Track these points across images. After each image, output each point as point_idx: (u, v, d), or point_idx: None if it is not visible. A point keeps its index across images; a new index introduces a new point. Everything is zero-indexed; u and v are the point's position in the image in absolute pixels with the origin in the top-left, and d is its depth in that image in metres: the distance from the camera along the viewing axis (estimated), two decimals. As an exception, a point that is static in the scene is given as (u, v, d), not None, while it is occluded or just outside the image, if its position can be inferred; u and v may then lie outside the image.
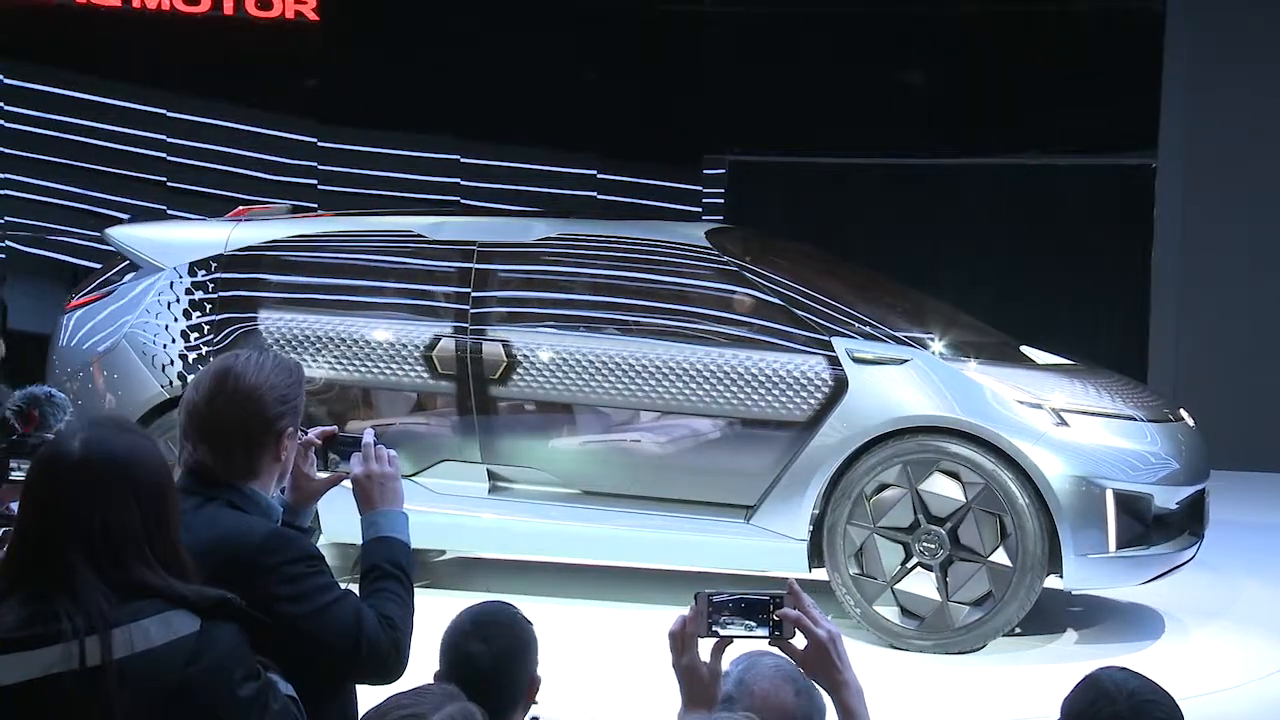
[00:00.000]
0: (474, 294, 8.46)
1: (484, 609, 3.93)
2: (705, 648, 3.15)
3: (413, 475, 8.31)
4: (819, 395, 8.04)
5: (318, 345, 8.46)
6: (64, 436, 3.06)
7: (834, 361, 8.07)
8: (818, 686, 3.34)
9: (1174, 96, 13.63)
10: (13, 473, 4.69)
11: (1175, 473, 8.09)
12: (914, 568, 7.88)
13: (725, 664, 3.23)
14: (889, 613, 7.90)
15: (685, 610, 3.16)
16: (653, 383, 8.21)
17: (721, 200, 14.36)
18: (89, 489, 2.95)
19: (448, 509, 8.32)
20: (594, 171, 14.34)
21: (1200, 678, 7.29)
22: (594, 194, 14.34)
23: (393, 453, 3.87)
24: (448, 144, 14.33)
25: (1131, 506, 7.92)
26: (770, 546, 8.07)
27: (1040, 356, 8.80)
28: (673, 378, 8.19)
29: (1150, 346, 13.65)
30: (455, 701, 2.96)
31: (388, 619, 3.61)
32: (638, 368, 8.23)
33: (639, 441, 8.36)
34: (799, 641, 3.14)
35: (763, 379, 8.11)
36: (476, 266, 8.49)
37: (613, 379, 8.24)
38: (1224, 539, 9.37)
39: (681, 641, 3.17)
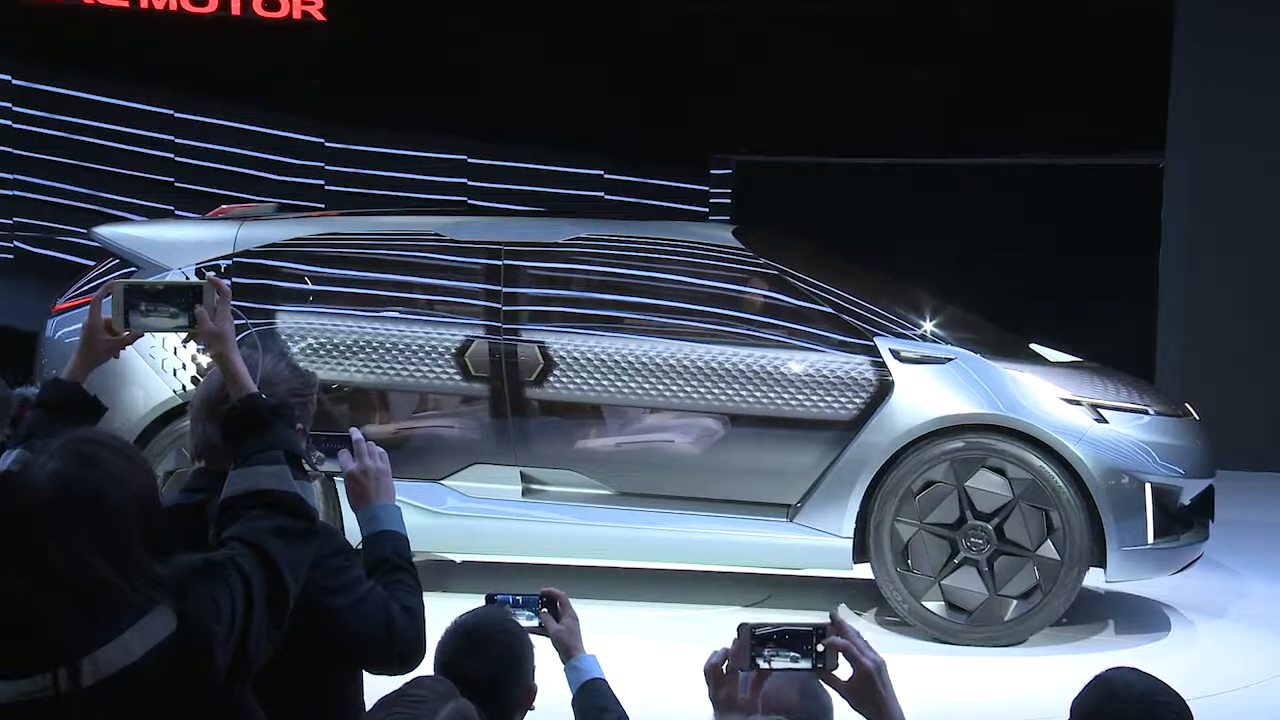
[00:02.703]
0: (505, 294, 8.38)
1: (477, 620, 3.87)
2: (745, 680, 3.13)
3: (442, 479, 8.29)
4: (864, 395, 8.10)
5: (339, 346, 8.33)
6: (34, 468, 2.90)
7: (878, 361, 8.13)
8: (825, 691, 3.36)
9: (1182, 97, 13.66)
10: None
11: (1195, 467, 8.33)
12: (961, 563, 7.98)
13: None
14: (936, 607, 8.00)
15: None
16: (694, 384, 8.20)
17: (729, 200, 14.42)
18: (48, 534, 2.81)
19: (480, 513, 8.26)
20: (601, 172, 14.38)
21: (1209, 678, 7.33)
22: (601, 194, 14.38)
23: (382, 449, 3.93)
24: (455, 144, 14.31)
25: (1163, 500, 8.13)
26: (814, 544, 8.11)
27: (1052, 355, 8.96)
28: (715, 379, 8.19)
29: (1158, 347, 13.72)
30: (448, 702, 3.00)
31: (408, 610, 3.72)
32: (678, 369, 8.21)
33: (681, 443, 8.31)
34: (842, 673, 3.13)
35: (806, 379, 8.14)
36: (505, 266, 8.41)
37: (653, 380, 8.22)
38: (1231, 539, 9.50)
39: (720, 675, 3.15)
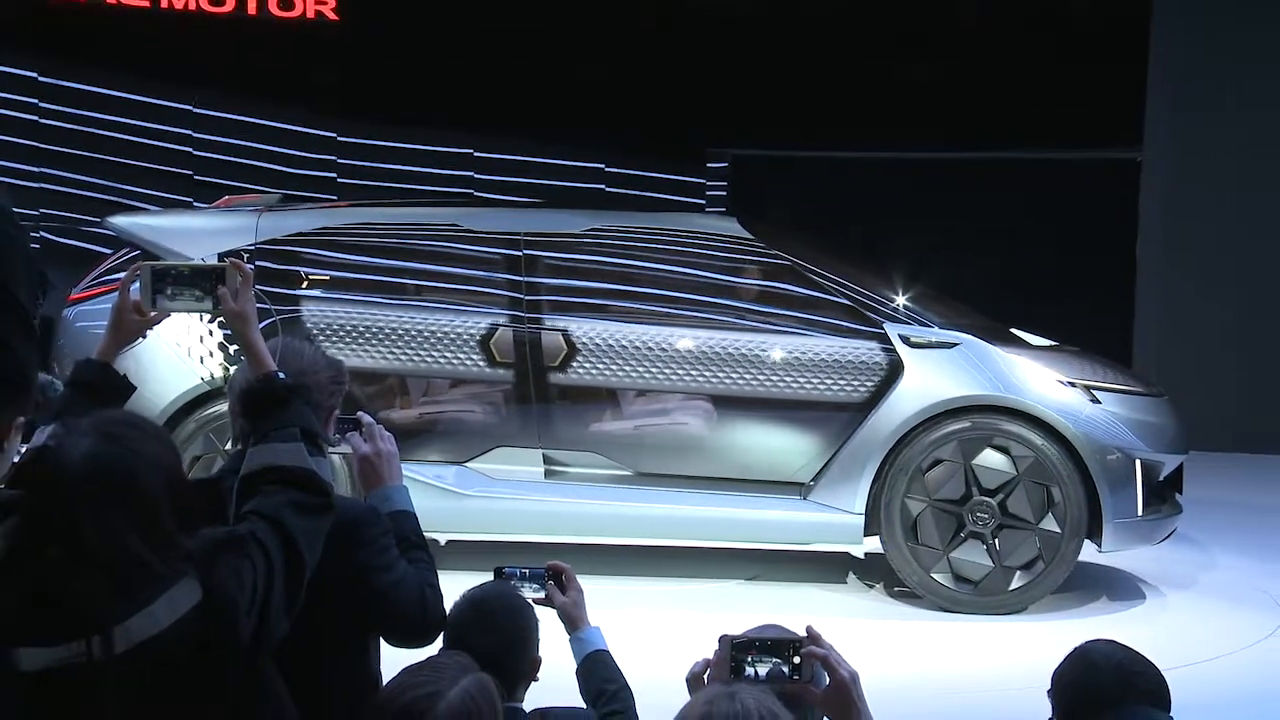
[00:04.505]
0: (528, 283, 8.51)
1: (483, 596, 3.96)
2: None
3: (465, 461, 8.44)
4: (875, 378, 8.39)
5: (364, 334, 8.42)
6: (67, 446, 2.97)
7: (888, 346, 8.43)
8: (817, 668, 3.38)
9: (1160, 92, 13.82)
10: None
11: (1173, 443, 8.72)
12: (967, 537, 8.30)
13: None
14: (943, 579, 8.32)
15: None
16: (714, 369, 8.43)
17: (724, 193, 14.54)
18: (83, 510, 2.90)
19: (506, 494, 8.41)
20: (602, 165, 14.48)
21: (1182, 649, 7.50)
22: (603, 186, 14.46)
23: (390, 433, 4.07)
24: (462, 138, 14.39)
25: (1149, 474, 8.51)
26: (827, 521, 8.38)
27: (1033, 339, 9.23)
28: (734, 364, 8.42)
29: (1135, 335, 13.90)
30: (469, 674, 3.14)
31: (432, 586, 3.89)
32: (697, 355, 8.43)
33: (698, 425, 8.50)
34: (818, 683, 3.20)
35: (819, 364, 8.41)
36: (526, 255, 8.55)
37: (672, 366, 8.42)
38: (1201, 516, 9.78)
39: (701, 685, 3.20)
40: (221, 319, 3.77)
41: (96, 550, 2.88)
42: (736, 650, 3.19)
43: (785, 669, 3.17)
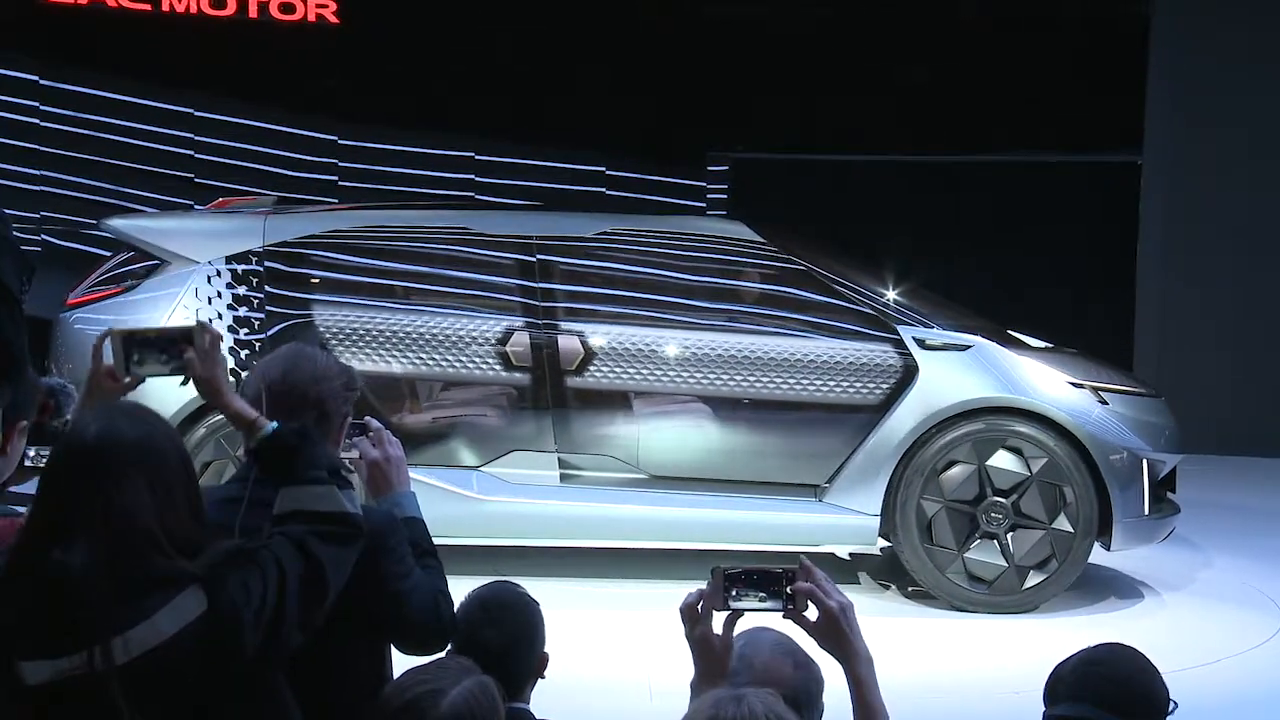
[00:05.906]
0: (543, 289, 8.52)
1: (492, 592, 4.00)
2: (718, 621, 3.20)
3: (480, 466, 8.41)
4: (890, 380, 8.43)
5: (376, 338, 8.37)
6: (79, 426, 3.02)
7: (903, 349, 8.47)
8: (816, 662, 3.40)
9: (1159, 96, 13.91)
10: (27, 460, 4.36)
11: (1172, 443, 8.81)
12: (981, 537, 8.35)
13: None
14: (958, 579, 8.36)
15: (692, 585, 3.15)
16: (730, 371, 8.44)
17: (725, 196, 14.62)
18: (102, 478, 2.92)
19: (521, 498, 8.39)
20: (602, 168, 14.54)
21: (1182, 652, 7.48)
22: (603, 189, 14.54)
23: (396, 438, 4.04)
24: (462, 141, 14.45)
25: (1153, 473, 8.59)
26: (842, 523, 8.41)
27: (1032, 341, 9.28)
28: (749, 368, 8.43)
29: (1135, 338, 13.99)
30: (471, 675, 3.15)
31: (444, 594, 3.86)
32: (715, 358, 8.44)
33: (713, 428, 8.52)
34: (811, 615, 3.19)
35: (835, 366, 8.44)
36: (540, 260, 8.55)
37: (689, 369, 8.44)
38: (1199, 518, 9.79)
39: (695, 614, 3.22)
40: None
41: (109, 525, 2.88)
42: (729, 581, 3.19)
43: (777, 601, 3.18)
